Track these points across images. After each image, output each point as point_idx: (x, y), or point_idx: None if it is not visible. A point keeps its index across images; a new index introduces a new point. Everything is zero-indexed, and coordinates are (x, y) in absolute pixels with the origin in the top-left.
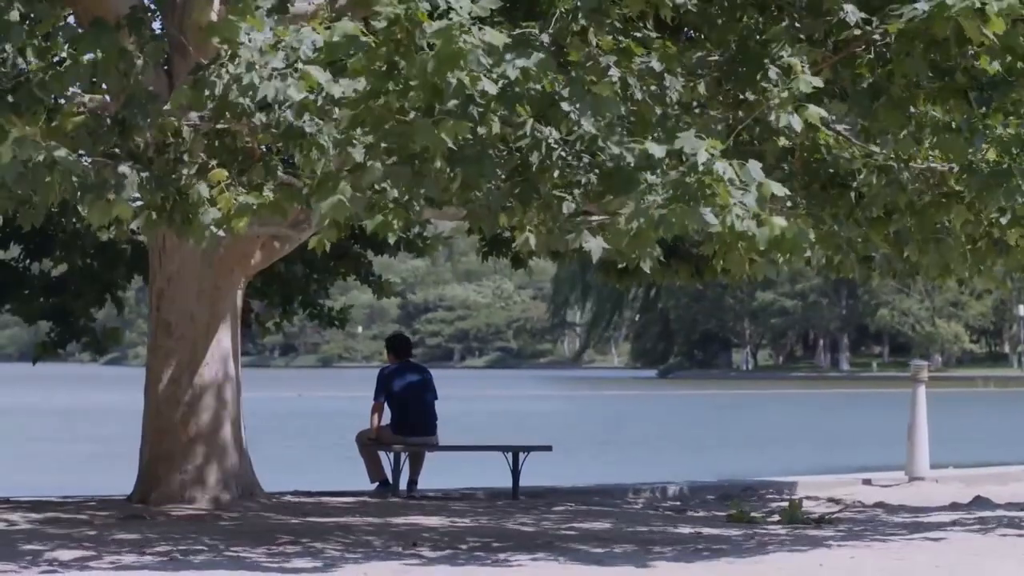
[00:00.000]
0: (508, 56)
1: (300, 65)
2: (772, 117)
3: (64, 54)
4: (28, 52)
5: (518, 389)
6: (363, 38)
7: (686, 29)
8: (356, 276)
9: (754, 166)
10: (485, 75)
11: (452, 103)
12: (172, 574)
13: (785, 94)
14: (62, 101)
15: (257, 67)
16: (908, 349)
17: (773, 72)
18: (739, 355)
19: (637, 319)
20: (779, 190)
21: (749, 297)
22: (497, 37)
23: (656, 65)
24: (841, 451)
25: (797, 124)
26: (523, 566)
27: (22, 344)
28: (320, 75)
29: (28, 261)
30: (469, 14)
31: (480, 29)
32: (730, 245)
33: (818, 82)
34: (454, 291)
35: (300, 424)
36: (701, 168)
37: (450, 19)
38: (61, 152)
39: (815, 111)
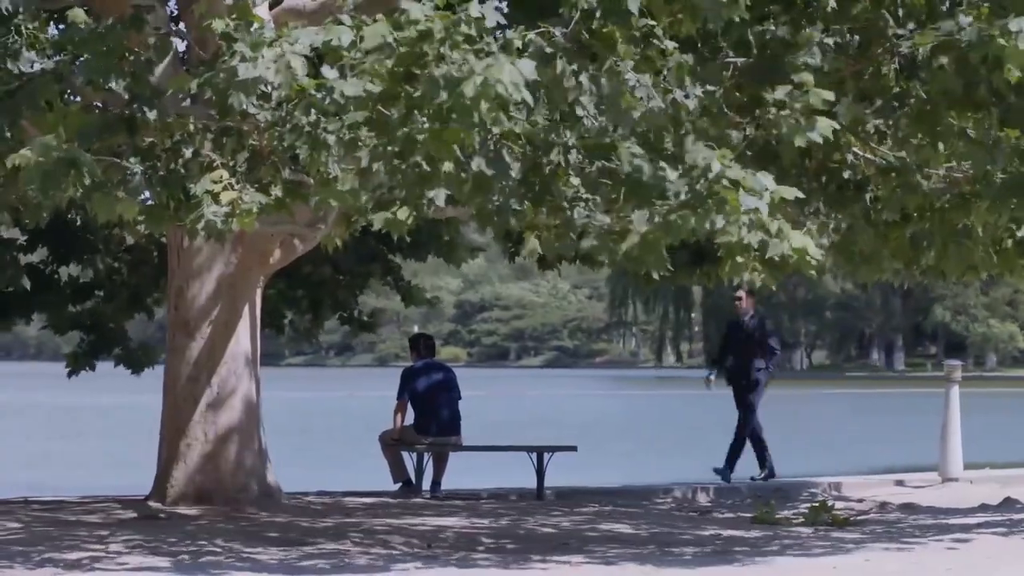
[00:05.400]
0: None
1: (289, 60)
2: (784, 130)
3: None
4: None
5: (564, 388)
6: (390, 39)
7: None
8: (385, 282)
9: (764, 176)
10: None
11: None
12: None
13: (797, 106)
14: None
15: (250, 60)
16: (964, 349)
17: (782, 92)
18: (794, 355)
19: (693, 318)
20: (789, 194)
21: (807, 296)
22: (523, 93)
23: (672, 80)
24: (880, 451)
25: (816, 137)
26: (532, 567)
27: (75, 346)
28: (328, 72)
29: (56, 265)
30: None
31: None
32: (734, 253)
33: (829, 95)
34: (510, 290)
35: (340, 423)
36: (712, 177)
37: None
38: (79, 151)
39: (826, 123)
